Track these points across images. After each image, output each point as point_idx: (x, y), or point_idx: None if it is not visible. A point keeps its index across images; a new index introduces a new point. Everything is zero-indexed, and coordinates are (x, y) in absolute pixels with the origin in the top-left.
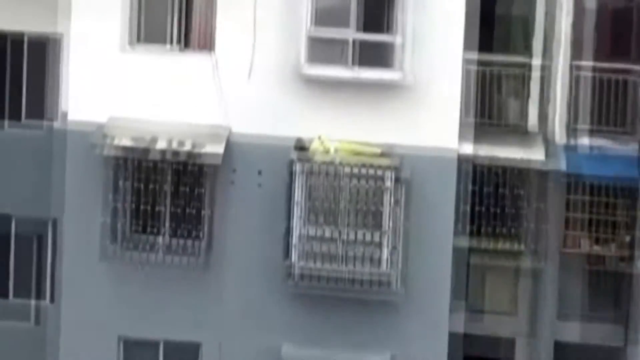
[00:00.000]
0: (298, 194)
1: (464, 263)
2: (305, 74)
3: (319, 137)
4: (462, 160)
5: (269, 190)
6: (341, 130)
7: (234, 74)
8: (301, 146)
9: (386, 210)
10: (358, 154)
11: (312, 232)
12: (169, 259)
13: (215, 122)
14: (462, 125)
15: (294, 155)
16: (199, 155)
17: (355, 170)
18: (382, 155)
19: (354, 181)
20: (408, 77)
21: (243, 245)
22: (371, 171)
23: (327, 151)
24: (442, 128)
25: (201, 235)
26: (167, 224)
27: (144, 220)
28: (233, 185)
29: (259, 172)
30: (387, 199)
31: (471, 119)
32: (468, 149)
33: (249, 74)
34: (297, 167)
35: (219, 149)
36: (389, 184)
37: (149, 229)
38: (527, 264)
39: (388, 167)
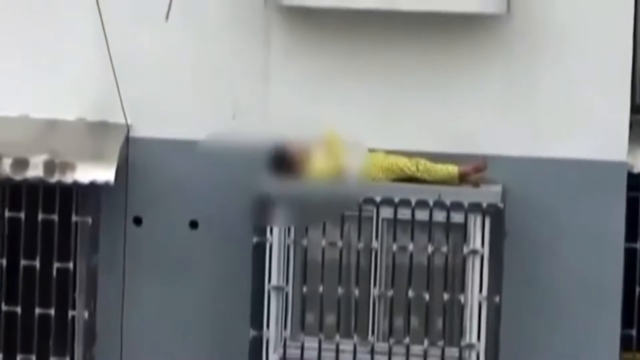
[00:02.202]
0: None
1: None
2: (286, 5)
3: (330, 137)
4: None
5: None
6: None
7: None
8: (282, 158)
9: (474, 300)
10: (409, 178)
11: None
12: None
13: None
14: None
15: (269, 189)
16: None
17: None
18: (464, 178)
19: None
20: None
21: None
22: (439, 214)
23: (337, 171)
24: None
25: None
26: None
27: None
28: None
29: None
30: (476, 274)
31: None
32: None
33: (167, 14)
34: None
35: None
36: (478, 244)
37: None
38: None
39: (477, 208)
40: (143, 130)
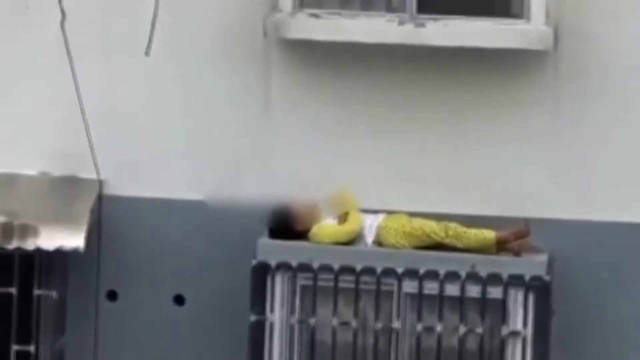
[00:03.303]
0: None
1: None
2: (290, 38)
3: (342, 196)
4: None
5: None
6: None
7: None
8: (285, 220)
9: None
10: (437, 245)
11: None
12: None
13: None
14: None
15: (268, 255)
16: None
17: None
18: (503, 245)
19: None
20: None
21: None
22: (473, 289)
23: (348, 235)
24: None
25: None
26: None
27: None
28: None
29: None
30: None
31: None
32: None
33: (147, 48)
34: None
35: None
36: (520, 324)
37: None
38: None
39: (518, 282)
40: (119, 187)
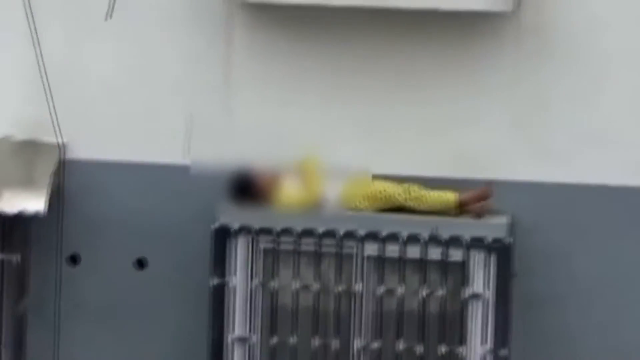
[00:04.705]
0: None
1: None
2: (251, 2)
3: (306, 160)
4: None
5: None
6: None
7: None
8: (247, 185)
9: (476, 353)
10: (399, 208)
11: None
12: None
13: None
14: None
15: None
16: None
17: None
18: (464, 207)
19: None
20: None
21: None
22: (435, 251)
23: (312, 200)
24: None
25: None
26: None
27: None
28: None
29: None
30: (479, 321)
31: None
32: None
33: (108, 12)
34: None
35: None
36: (482, 286)
37: None
38: None
39: (480, 244)
40: (81, 150)
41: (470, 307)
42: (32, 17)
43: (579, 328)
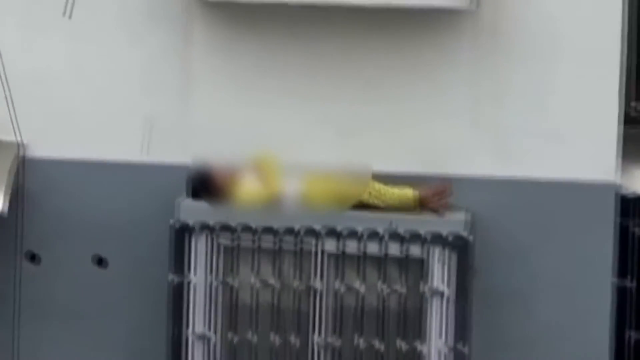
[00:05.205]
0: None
1: None
2: None
3: (264, 157)
4: None
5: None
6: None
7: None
8: (205, 182)
9: (436, 349)
10: (358, 205)
11: None
12: None
13: None
14: None
15: (189, 217)
16: None
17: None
18: (424, 203)
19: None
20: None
21: None
22: (394, 247)
23: (270, 196)
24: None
25: None
26: None
27: None
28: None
29: None
30: (439, 318)
31: None
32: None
33: (66, 8)
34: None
35: None
36: (441, 282)
37: None
38: None
39: (439, 240)
40: (40, 149)
41: (429, 304)
42: None
43: (538, 324)
